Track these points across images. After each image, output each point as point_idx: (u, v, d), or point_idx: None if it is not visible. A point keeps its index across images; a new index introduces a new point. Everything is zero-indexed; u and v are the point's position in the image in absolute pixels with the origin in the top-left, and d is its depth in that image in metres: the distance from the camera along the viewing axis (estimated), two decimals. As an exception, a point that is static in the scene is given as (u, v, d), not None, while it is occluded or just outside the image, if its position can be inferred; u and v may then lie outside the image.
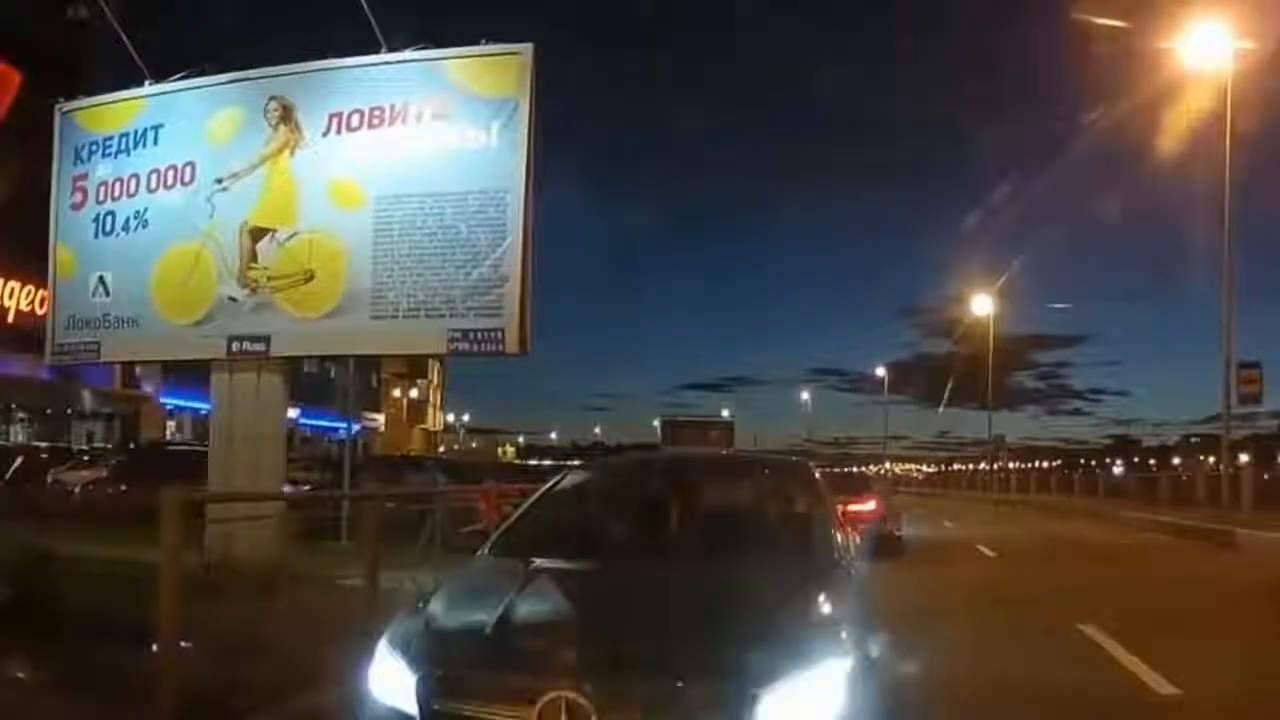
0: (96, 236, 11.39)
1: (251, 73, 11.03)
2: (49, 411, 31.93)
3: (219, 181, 10.84)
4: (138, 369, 29.75)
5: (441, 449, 66.53)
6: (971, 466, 71.44)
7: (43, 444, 28.60)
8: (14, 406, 30.99)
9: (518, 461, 62.01)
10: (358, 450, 23.15)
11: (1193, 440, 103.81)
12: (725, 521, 4.48)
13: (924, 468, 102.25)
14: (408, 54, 10.51)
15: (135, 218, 11.17)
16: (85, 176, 11.48)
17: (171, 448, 25.87)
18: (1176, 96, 18.36)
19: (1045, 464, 79.04)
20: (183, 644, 4.42)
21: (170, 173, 11.06)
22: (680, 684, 2.89)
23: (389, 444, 55.67)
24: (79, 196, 11.50)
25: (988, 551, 14.78)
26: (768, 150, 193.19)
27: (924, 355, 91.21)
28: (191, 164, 10.99)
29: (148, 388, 33.14)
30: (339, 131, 10.52)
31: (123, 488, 17.56)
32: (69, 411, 32.18)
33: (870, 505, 13.66)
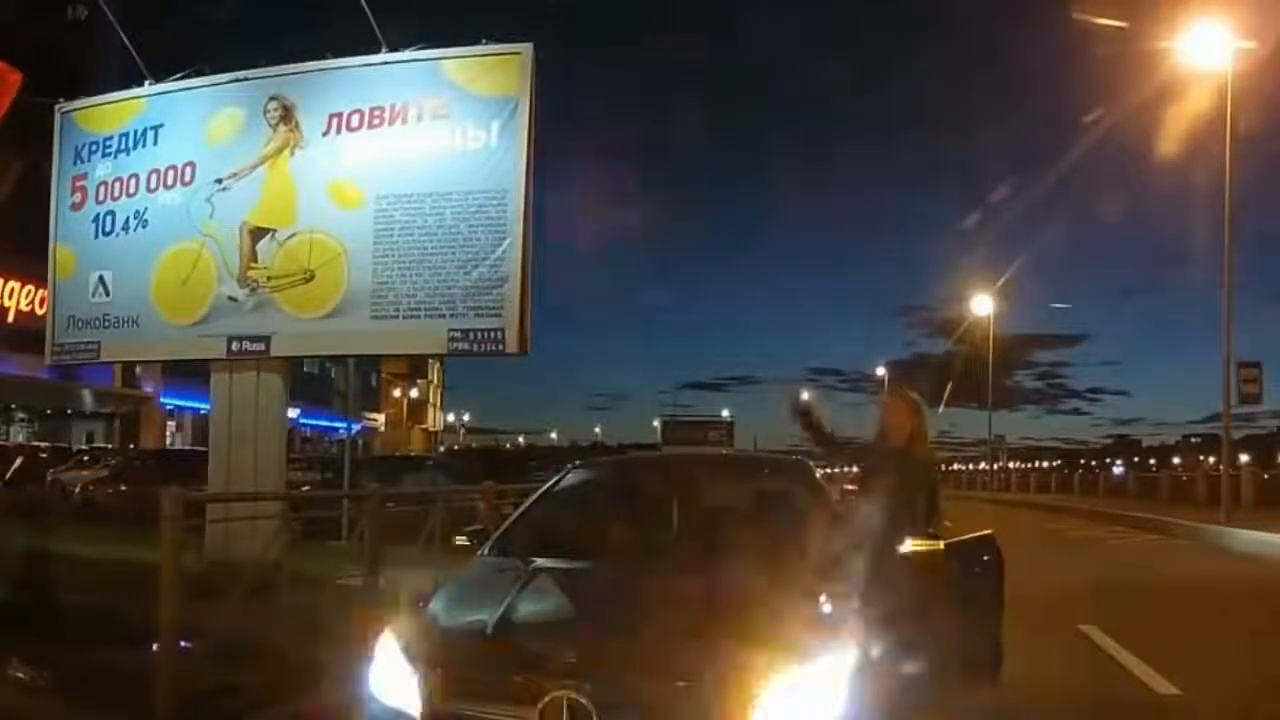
0: (96, 236, 11.39)
1: (251, 73, 11.03)
2: (49, 411, 31.94)
3: (219, 181, 10.84)
4: (138, 369, 29.73)
5: (442, 448, 66.47)
6: (971, 466, 71.39)
7: (43, 444, 28.59)
8: (14, 406, 31.00)
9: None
10: (358, 449, 23.09)
11: (1193, 440, 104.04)
12: (726, 521, 4.46)
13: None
14: (407, 54, 10.50)
15: (135, 218, 11.17)
16: (85, 176, 11.48)
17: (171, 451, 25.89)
18: (1176, 96, 18.33)
19: (1045, 464, 78.95)
20: (183, 644, 4.42)
21: (170, 173, 11.06)
22: (681, 684, 2.88)
23: (389, 444, 55.64)
24: (79, 196, 11.50)
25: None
26: (768, 150, 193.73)
27: (923, 355, 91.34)
28: (191, 164, 10.99)
29: (148, 388, 33.10)
30: (339, 131, 10.51)
31: (122, 487, 17.58)
32: (69, 411, 32.19)
33: None
